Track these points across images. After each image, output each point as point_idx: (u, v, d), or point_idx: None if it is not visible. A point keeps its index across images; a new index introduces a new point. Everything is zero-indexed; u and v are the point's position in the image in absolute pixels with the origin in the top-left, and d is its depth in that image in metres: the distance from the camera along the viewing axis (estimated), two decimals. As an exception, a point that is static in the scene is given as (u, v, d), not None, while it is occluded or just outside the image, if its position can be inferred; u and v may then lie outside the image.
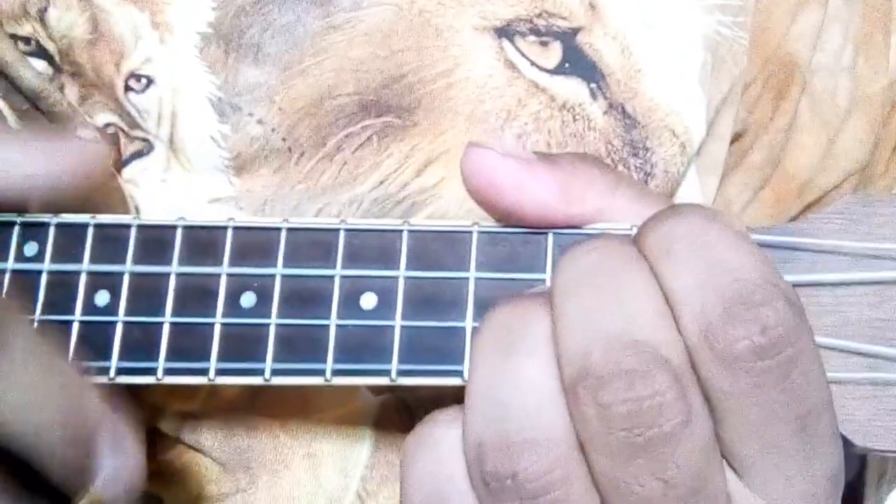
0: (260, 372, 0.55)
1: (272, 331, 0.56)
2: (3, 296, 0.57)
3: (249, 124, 0.69)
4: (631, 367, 0.45)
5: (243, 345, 0.56)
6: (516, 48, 0.70)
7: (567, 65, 0.70)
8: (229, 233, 0.57)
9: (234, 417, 0.70)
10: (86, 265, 0.57)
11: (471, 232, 0.55)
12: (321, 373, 0.55)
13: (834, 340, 0.52)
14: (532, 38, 0.70)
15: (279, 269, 0.56)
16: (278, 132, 0.69)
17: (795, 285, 0.52)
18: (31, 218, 0.58)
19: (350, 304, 0.55)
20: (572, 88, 0.70)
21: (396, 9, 0.70)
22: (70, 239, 0.58)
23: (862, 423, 0.52)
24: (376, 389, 0.70)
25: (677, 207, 0.50)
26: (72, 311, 0.57)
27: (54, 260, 0.58)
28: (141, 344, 0.56)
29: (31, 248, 0.58)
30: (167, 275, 0.57)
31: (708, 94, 0.72)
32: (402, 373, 0.55)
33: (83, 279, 0.57)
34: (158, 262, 0.57)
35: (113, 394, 0.54)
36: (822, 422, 0.47)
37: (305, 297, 0.56)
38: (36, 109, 0.70)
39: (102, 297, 0.57)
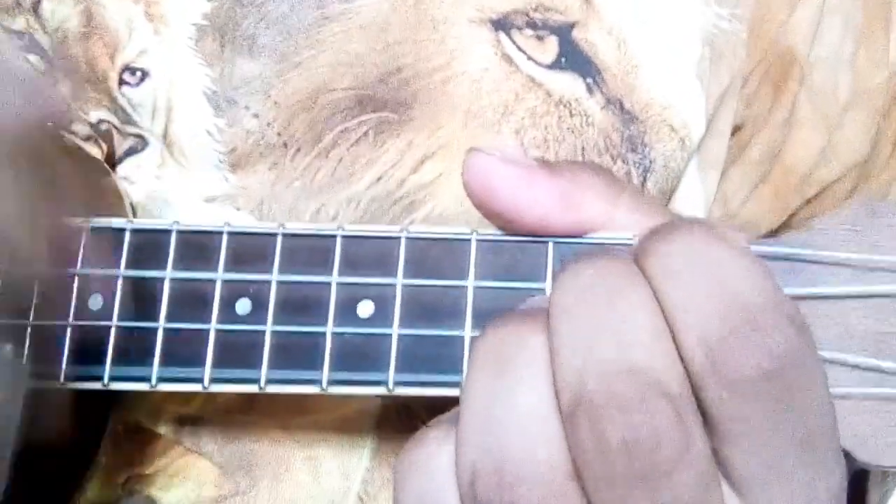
0: (255, 380, 0.55)
1: (267, 338, 0.55)
2: None
3: (245, 118, 0.69)
4: (627, 395, 0.45)
5: (238, 352, 0.56)
6: (513, 42, 0.70)
7: (563, 60, 0.70)
8: (224, 238, 0.57)
9: (234, 420, 0.70)
10: (79, 269, 0.57)
11: (470, 239, 0.55)
12: (317, 382, 0.55)
13: (838, 354, 0.52)
14: (528, 31, 0.70)
15: (275, 276, 0.56)
16: (273, 127, 0.69)
17: (799, 297, 0.52)
18: None
19: (347, 311, 0.55)
20: (568, 84, 0.70)
21: (392, 1, 0.70)
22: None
23: (865, 439, 0.52)
24: (376, 392, 0.70)
25: (677, 224, 0.49)
26: (65, 317, 0.57)
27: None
28: (135, 350, 0.56)
29: None
30: (161, 280, 0.57)
31: (707, 88, 0.72)
32: (399, 383, 0.54)
33: (76, 283, 0.57)
34: (152, 267, 0.57)
35: None
36: (825, 441, 0.47)
37: (301, 305, 0.56)
38: None
39: (96, 301, 0.57)
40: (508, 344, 0.48)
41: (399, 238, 0.56)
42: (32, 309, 0.58)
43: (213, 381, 0.56)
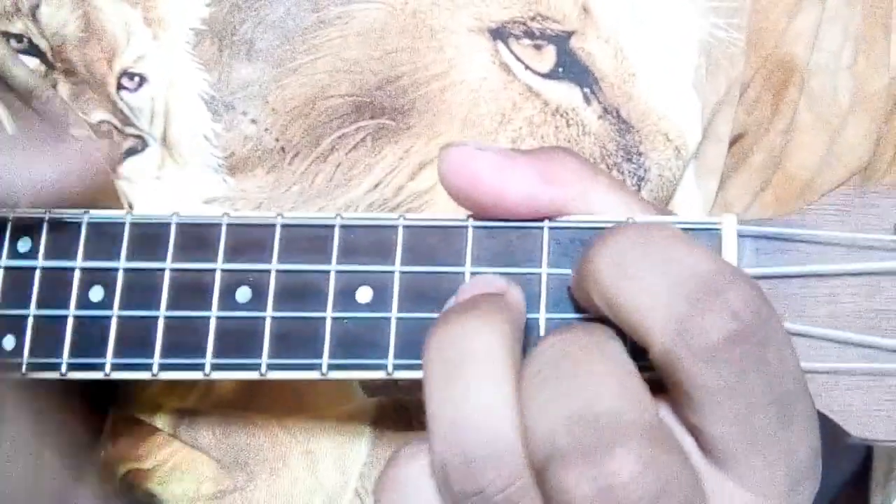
0: (256, 367, 0.56)
1: (267, 325, 0.56)
2: None
3: (243, 123, 0.70)
4: (592, 443, 0.46)
5: (239, 339, 0.57)
6: (511, 51, 0.71)
7: (560, 69, 0.71)
8: (224, 228, 0.58)
9: (232, 415, 0.71)
10: (79, 261, 0.59)
11: (466, 226, 0.56)
12: (317, 367, 0.56)
13: (829, 331, 0.53)
14: (526, 41, 0.71)
15: (274, 265, 0.57)
16: (271, 132, 0.70)
17: (790, 276, 0.53)
18: (23, 214, 0.59)
19: (346, 298, 0.56)
20: (565, 93, 0.71)
21: (389, 8, 0.71)
22: (63, 235, 0.59)
23: (857, 413, 0.53)
24: (371, 391, 0.71)
25: (615, 227, 0.51)
26: (66, 307, 0.58)
27: (48, 256, 0.59)
28: (136, 339, 0.57)
29: (24, 244, 0.59)
30: (161, 270, 0.58)
31: (703, 97, 0.73)
32: (398, 366, 0.56)
33: (77, 275, 0.58)
34: (153, 258, 0.58)
35: None
36: (799, 402, 0.48)
37: (301, 292, 0.57)
38: (29, 107, 0.70)
39: (97, 293, 0.58)
40: (454, 343, 0.50)
41: (397, 226, 0.57)
42: (34, 299, 0.59)
43: (215, 368, 0.57)
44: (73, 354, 0.58)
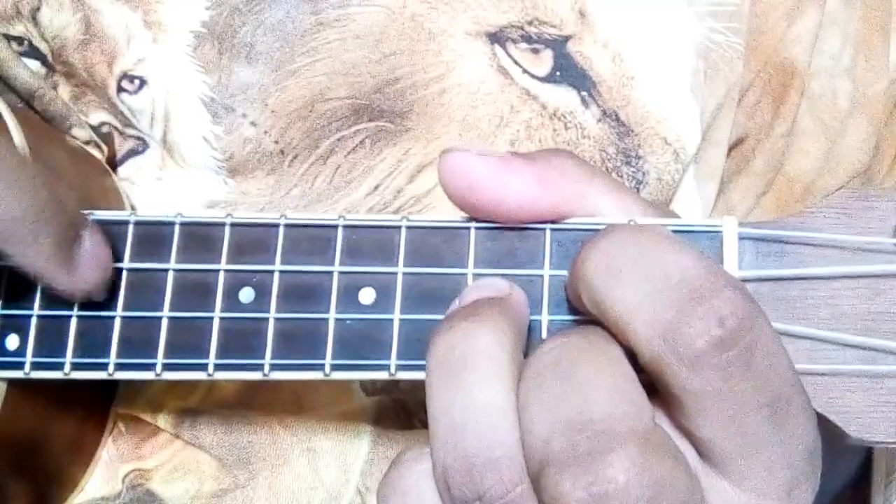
0: (259, 367, 0.57)
1: (271, 325, 0.57)
2: None
3: (243, 126, 0.71)
4: (587, 449, 0.46)
5: (242, 340, 0.57)
6: (508, 55, 0.72)
7: (558, 73, 0.72)
8: (227, 229, 0.58)
9: (233, 414, 0.71)
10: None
11: (469, 228, 0.57)
12: (320, 367, 0.57)
13: (829, 333, 0.54)
14: (524, 45, 0.72)
15: (277, 265, 0.58)
16: (270, 134, 0.71)
17: (790, 278, 0.54)
18: None
19: (349, 298, 0.57)
20: (563, 96, 0.72)
21: (388, 11, 0.71)
22: None
23: (857, 415, 0.53)
24: (370, 391, 0.72)
25: (608, 228, 0.52)
26: (70, 307, 0.59)
27: None
28: (139, 339, 0.58)
29: None
30: (165, 271, 0.58)
31: (701, 101, 0.74)
32: (401, 367, 0.56)
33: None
34: (156, 259, 0.59)
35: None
36: (792, 404, 0.49)
37: (304, 293, 0.57)
38: (30, 108, 0.71)
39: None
40: (456, 347, 0.51)
41: (399, 227, 0.57)
42: (37, 299, 0.60)
43: (218, 368, 0.57)
44: (76, 354, 0.59)
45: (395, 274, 0.57)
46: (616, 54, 0.73)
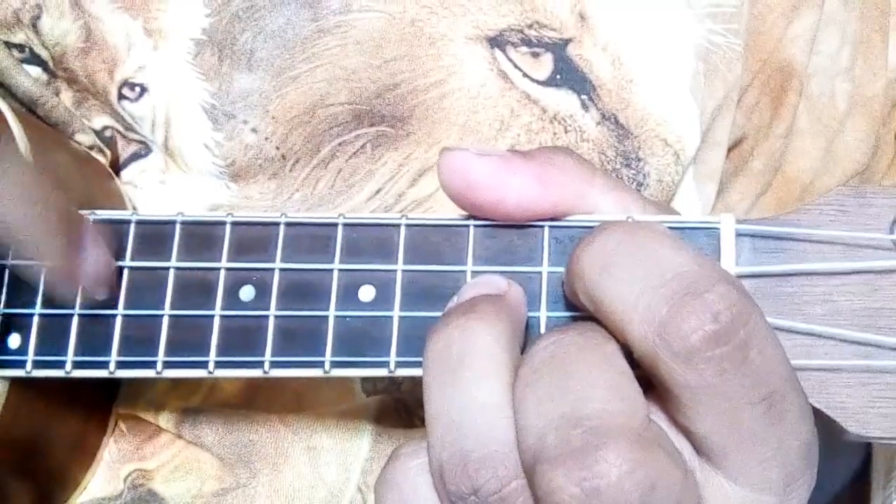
0: (259, 364, 0.58)
1: (271, 323, 0.58)
2: None
3: (243, 132, 0.72)
4: (580, 445, 0.47)
5: (242, 338, 0.58)
6: (508, 59, 0.72)
7: (558, 76, 0.73)
8: (228, 227, 0.59)
9: (234, 413, 0.72)
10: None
11: (467, 225, 0.58)
12: (320, 364, 0.57)
13: (826, 329, 0.54)
14: (524, 48, 0.73)
15: (277, 263, 0.58)
16: (272, 141, 0.72)
17: (788, 274, 0.55)
18: None
19: (348, 296, 0.58)
20: (563, 100, 0.72)
21: (388, 17, 0.72)
22: None
23: (854, 411, 0.54)
24: (370, 390, 0.72)
25: (604, 224, 0.52)
26: (71, 306, 0.59)
27: None
28: (140, 338, 0.58)
29: None
30: (166, 269, 0.59)
31: (701, 102, 0.74)
32: (400, 364, 0.57)
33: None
34: (157, 257, 0.59)
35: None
36: (788, 399, 0.49)
37: (304, 291, 0.58)
38: (33, 114, 0.72)
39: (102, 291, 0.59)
40: (453, 344, 0.51)
41: (399, 225, 0.58)
42: (39, 298, 0.60)
43: (218, 365, 0.58)
44: (77, 353, 0.59)
45: (395, 271, 0.58)
46: (616, 57, 0.73)
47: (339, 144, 0.72)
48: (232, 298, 0.58)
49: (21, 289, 0.60)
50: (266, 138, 0.72)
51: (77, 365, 0.59)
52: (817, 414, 0.52)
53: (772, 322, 0.50)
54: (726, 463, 0.49)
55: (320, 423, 0.72)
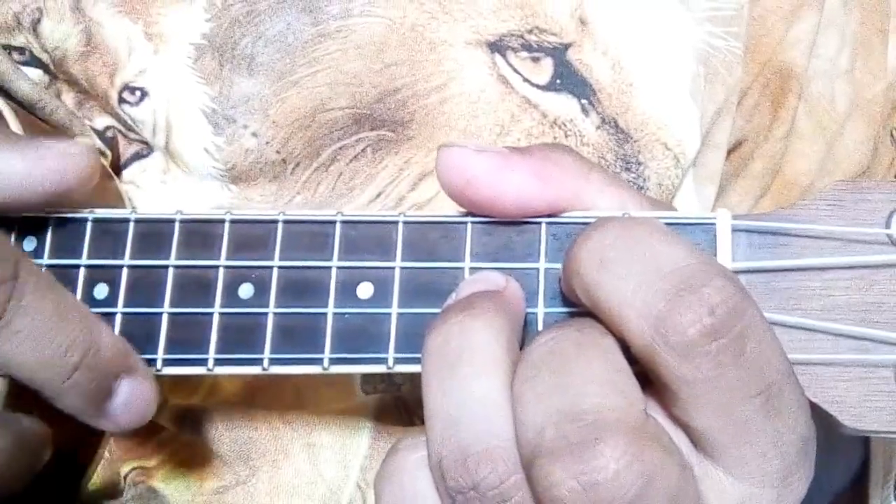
0: (258, 362, 0.58)
1: (270, 320, 0.58)
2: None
3: (244, 136, 0.72)
4: (578, 440, 0.47)
5: (241, 335, 0.58)
6: (508, 63, 0.73)
7: (558, 81, 0.73)
8: (226, 225, 0.60)
9: (234, 410, 0.72)
10: (84, 259, 0.60)
11: (465, 222, 0.58)
12: (319, 361, 0.58)
13: (822, 323, 0.54)
14: (524, 53, 0.73)
15: (276, 261, 0.59)
16: (272, 145, 0.72)
17: (784, 269, 0.55)
18: (29, 213, 0.60)
19: (347, 293, 0.58)
20: (563, 104, 0.73)
21: (388, 22, 0.72)
22: (68, 233, 0.60)
23: (851, 405, 0.54)
24: (369, 388, 0.73)
25: (600, 220, 0.53)
26: None
27: (53, 254, 0.60)
28: (140, 336, 0.59)
29: (29, 243, 0.61)
30: (165, 268, 0.59)
31: (701, 105, 0.75)
32: (398, 360, 0.57)
33: (82, 273, 0.60)
34: (156, 256, 0.60)
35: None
36: (784, 393, 0.49)
37: (303, 288, 0.58)
38: (34, 116, 0.72)
39: (101, 290, 0.60)
40: (452, 340, 0.52)
41: (397, 222, 0.59)
42: None
43: (218, 363, 0.58)
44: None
45: (393, 268, 0.58)
46: (616, 61, 0.74)
47: (340, 148, 0.73)
48: (231, 296, 0.59)
49: None
50: (266, 142, 0.72)
51: None
52: (814, 408, 0.52)
53: (768, 317, 0.50)
54: (724, 457, 0.50)
55: (320, 421, 0.72)
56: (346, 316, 0.58)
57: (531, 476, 0.48)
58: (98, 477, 0.71)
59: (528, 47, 0.73)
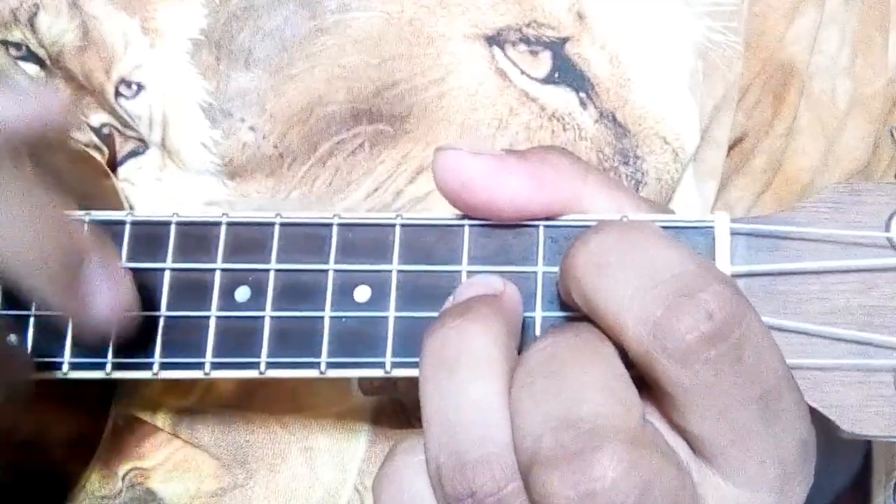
0: (255, 365, 0.58)
1: (267, 324, 0.58)
2: None
3: (241, 130, 0.72)
4: (575, 448, 0.47)
5: (238, 338, 0.58)
6: (507, 57, 0.73)
7: (556, 74, 0.73)
8: (223, 228, 0.59)
9: (231, 413, 0.72)
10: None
11: (463, 225, 0.58)
12: (316, 365, 0.57)
13: (821, 327, 0.54)
14: (522, 47, 0.73)
15: (273, 264, 0.59)
16: (269, 139, 0.72)
17: (784, 273, 0.55)
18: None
19: (344, 296, 0.58)
20: (561, 98, 0.73)
21: (386, 16, 0.72)
22: None
23: (850, 409, 0.54)
24: (367, 390, 0.73)
25: (598, 224, 0.52)
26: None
27: None
28: (136, 339, 0.59)
29: None
30: (162, 270, 0.59)
31: (700, 100, 0.74)
32: (396, 364, 0.57)
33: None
34: (153, 258, 0.59)
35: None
36: (783, 398, 0.49)
37: (299, 291, 0.58)
38: None
39: None
40: (450, 345, 0.51)
41: (394, 225, 0.58)
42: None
43: (214, 367, 0.58)
44: (74, 354, 0.59)
45: (390, 272, 0.58)
46: (614, 55, 0.73)
47: (337, 143, 0.72)
48: (227, 299, 0.59)
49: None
50: (264, 136, 0.72)
51: (74, 366, 0.59)
52: (813, 413, 0.52)
53: (767, 321, 0.50)
54: (723, 462, 0.50)
55: (317, 424, 0.72)
56: (344, 319, 0.58)
57: (528, 484, 0.48)
58: (95, 477, 0.71)
59: (526, 41, 0.73)
